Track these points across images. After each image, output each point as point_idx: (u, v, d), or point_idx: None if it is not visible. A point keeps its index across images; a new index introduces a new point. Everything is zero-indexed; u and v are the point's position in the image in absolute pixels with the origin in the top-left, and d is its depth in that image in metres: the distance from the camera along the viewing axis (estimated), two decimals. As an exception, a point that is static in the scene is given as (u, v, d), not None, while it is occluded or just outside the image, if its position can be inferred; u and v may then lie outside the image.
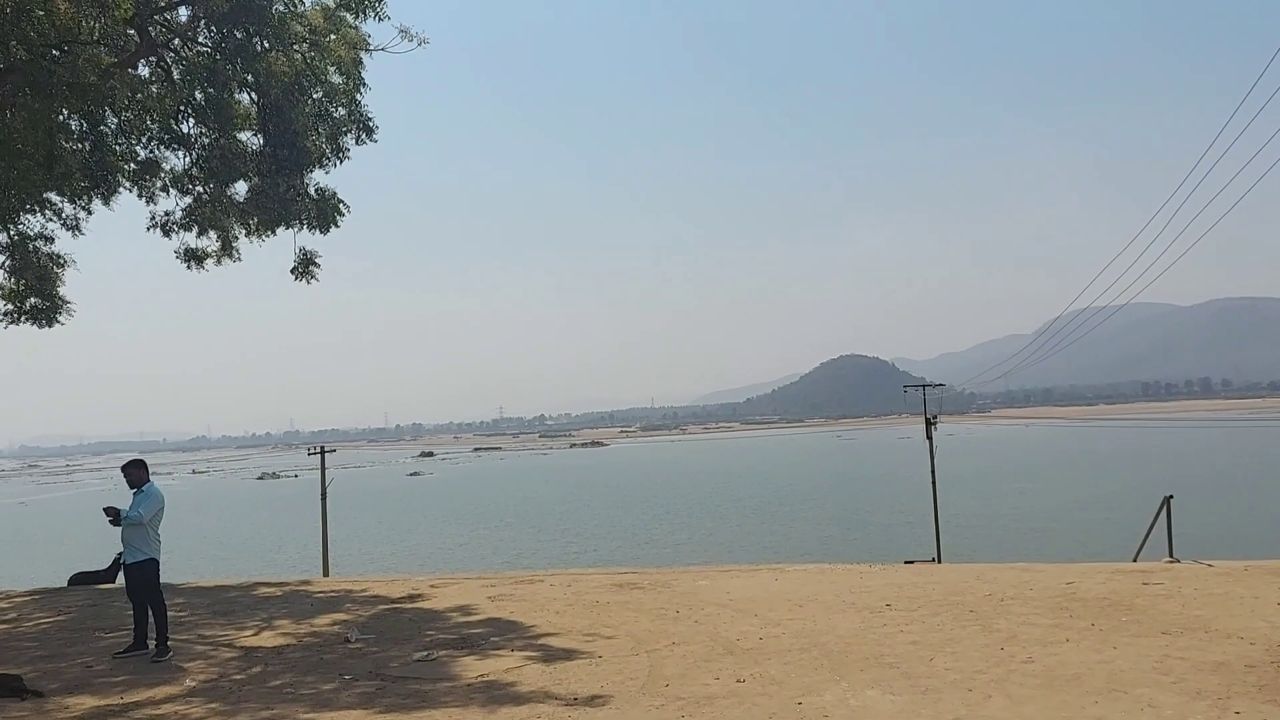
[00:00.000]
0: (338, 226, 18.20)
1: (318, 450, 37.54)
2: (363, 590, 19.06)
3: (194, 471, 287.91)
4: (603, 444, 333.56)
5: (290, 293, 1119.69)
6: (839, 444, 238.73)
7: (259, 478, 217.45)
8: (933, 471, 41.18)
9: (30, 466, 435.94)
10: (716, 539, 76.39)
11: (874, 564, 20.66)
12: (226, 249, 19.68)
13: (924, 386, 42.61)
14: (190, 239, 19.54)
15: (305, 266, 19.23)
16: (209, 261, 19.70)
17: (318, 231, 18.34)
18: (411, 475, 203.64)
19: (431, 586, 18.98)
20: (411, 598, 17.76)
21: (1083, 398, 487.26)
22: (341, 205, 18.22)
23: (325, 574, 42.37)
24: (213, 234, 19.33)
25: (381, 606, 16.95)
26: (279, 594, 19.12)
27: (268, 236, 19.06)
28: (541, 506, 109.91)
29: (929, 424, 41.53)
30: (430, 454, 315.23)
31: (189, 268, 19.13)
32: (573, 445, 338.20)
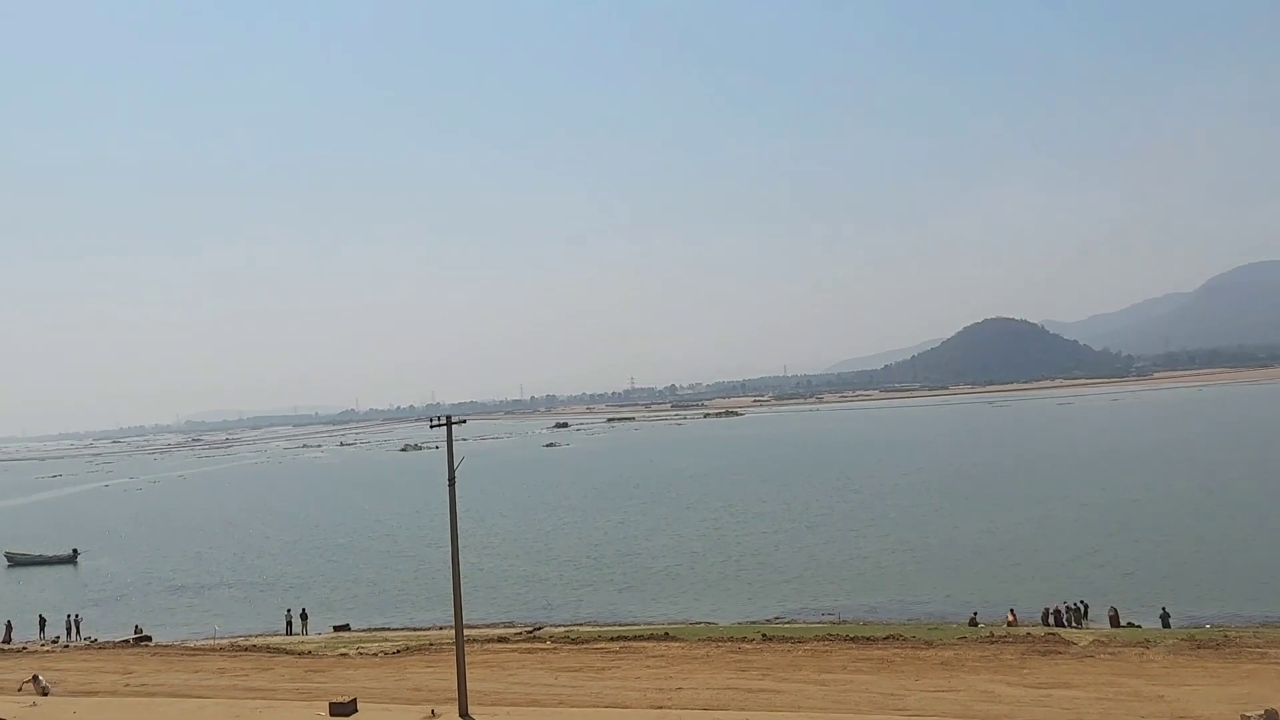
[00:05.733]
0: None
1: (442, 421, 26.13)
2: None
3: (342, 444, 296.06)
4: (737, 413, 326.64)
5: (429, 272, 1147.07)
6: (993, 412, 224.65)
7: (402, 449, 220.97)
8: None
9: (194, 440, 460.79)
10: (916, 519, 68.86)
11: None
12: None
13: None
14: None
15: None
16: None
17: None
18: (548, 446, 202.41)
19: None
20: None
21: (1254, 358, 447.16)
22: None
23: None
24: None
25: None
26: None
27: None
28: (692, 480, 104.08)
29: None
30: (565, 425, 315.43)
31: None
32: (706, 415, 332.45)
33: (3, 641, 47.51)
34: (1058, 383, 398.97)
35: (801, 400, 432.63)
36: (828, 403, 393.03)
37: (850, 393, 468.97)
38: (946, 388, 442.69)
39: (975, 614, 40.96)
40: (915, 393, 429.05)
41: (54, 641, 47.38)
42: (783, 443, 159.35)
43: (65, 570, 72.03)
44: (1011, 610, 41.01)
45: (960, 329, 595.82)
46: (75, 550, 76.70)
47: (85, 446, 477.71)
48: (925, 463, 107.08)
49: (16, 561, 75.82)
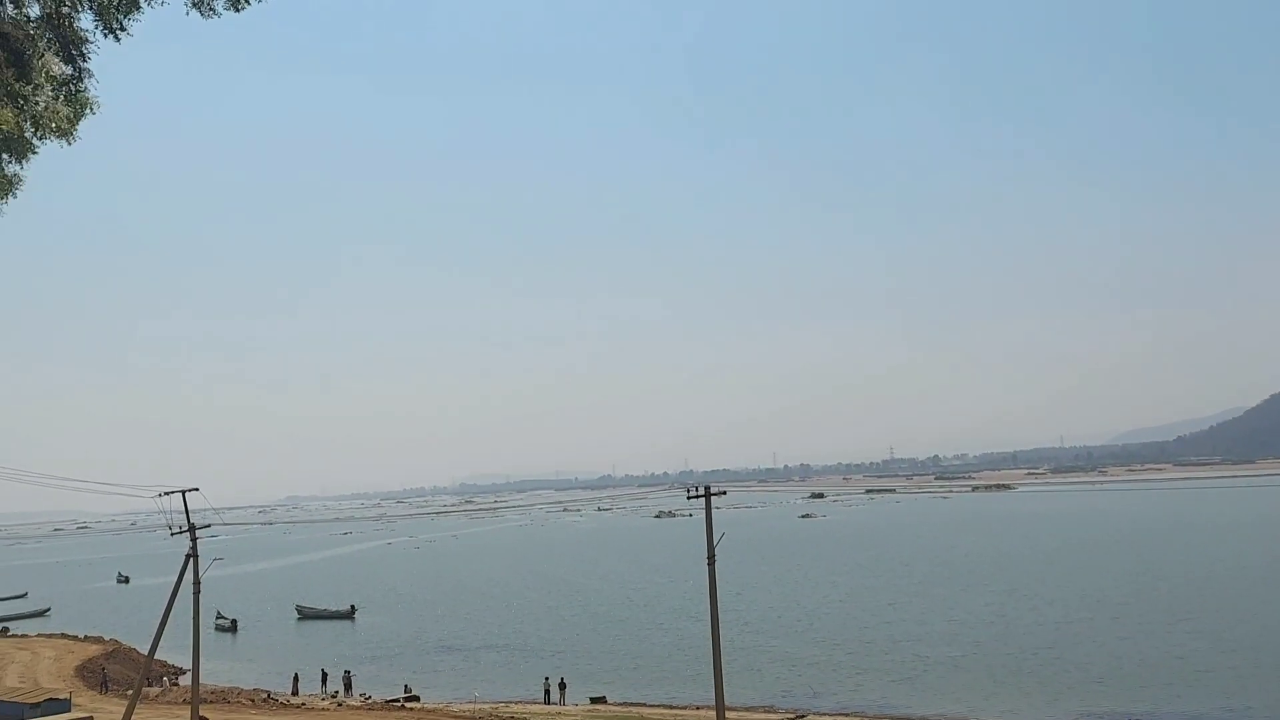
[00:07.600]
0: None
1: (700, 491, 24.57)
2: None
3: (599, 509, 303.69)
4: (1008, 487, 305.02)
5: (681, 335, 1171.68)
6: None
7: (656, 516, 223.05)
8: None
9: (467, 502, 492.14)
10: None
11: None
12: None
13: None
14: None
15: None
16: None
17: None
18: (804, 517, 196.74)
19: None
20: None
21: None
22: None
23: None
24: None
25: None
26: None
27: None
28: (966, 559, 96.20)
29: None
30: (821, 495, 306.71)
31: None
32: (974, 489, 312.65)
33: (290, 693, 50.05)
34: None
35: (1082, 473, 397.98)
36: (1112, 476, 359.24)
37: (1138, 466, 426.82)
38: (1253, 462, 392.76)
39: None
40: (1215, 467, 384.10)
41: (333, 696, 49.35)
42: (1065, 520, 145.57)
43: (344, 625, 76.25)
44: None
45: (1267, 396, 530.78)
46: (353, 606, 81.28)
47: (373, 506, 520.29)
48: (1243, 547, 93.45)
49: (305, 615, 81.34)
